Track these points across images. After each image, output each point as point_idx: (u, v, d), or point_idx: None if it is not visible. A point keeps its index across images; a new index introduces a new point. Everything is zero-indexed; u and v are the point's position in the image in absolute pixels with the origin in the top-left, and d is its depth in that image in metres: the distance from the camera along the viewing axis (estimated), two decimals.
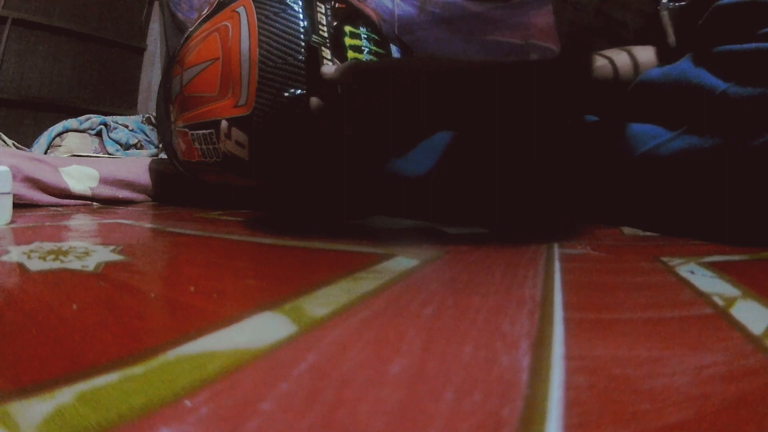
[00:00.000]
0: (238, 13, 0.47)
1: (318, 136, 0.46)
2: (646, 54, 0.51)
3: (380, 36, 0.53)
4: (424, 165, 0.64)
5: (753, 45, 0.41)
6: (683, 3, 0.49)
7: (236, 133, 0.45)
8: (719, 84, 0.42)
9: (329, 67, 0.44)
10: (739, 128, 0.40)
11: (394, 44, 0.56)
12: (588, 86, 0.52)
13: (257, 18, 0.46)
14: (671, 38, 0.50)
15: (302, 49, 0.45)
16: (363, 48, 0.49)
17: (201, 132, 0.48)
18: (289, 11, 0.46)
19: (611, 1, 0.54)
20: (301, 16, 0.46)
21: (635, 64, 0.51)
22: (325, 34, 0.46)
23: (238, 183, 0.51)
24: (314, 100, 0.43)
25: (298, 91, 0.44)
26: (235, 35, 0.46)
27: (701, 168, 0.43)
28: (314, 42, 0.45)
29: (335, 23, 0.48)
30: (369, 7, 0.55)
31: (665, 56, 0.51)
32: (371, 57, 0.50)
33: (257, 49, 0.45)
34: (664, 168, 0.45)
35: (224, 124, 0.45)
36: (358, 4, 0.53)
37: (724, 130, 0.41)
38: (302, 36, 0.45)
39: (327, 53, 0.45)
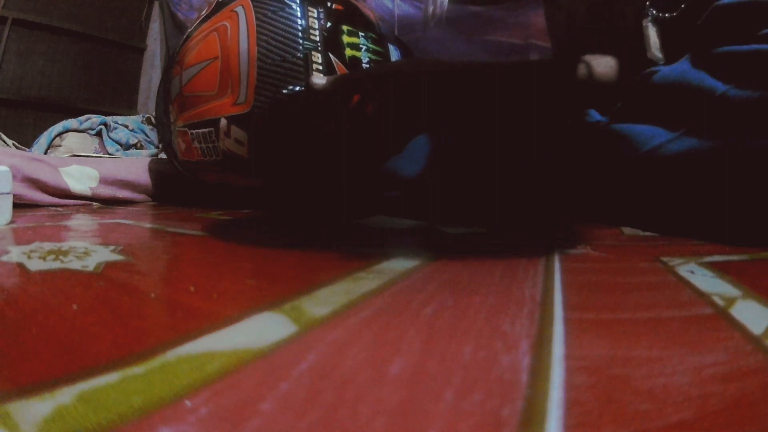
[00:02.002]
0: (236, 12, 0.47)
1: (317, 134, 0.46)
2: (605, 63, 0.51)
3: (378, 35, 0.53)
4: (421, 164, 0.64)
5: (753, 46, 0.41)
6: (673, 14, 0.49)
7: (235, 131, 0.45)
8: (719, 86, 0.42)
9: (319, 78, 0.44)
10: (739, 130, 0.40)
11: (392, 44, 0.56)
12: (584, 86, 0.52)
13: (256, 17, 0.46)
14: (651, 52, 0.49)
15: (300, 47, 0.45)
16: (361, 46, 0.49)
17: (200, 131, 0.48)
18: (287, 9, 0.46)
19: (607, 5, 0.54)
20: (299, 14, 0.46)
21: (591, 74, 0.50)
22: (317, 38, 0.46)
23: (237, 182, 0.51)
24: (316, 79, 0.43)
25: (297, 88, 0.44)
26: (233, 34, 0.46)
27: (701, 169, 0.43)
28: (305, 47, 0.45)
29: (331, 22, 0.48)
30: (367, 7, 0.55)
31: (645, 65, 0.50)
32: (369, 55, 0.50)
33: (256, 47, 0.45)
34: (664, 169, 0.45)
35: (223, 122, 0.45)
36: (355, 3, 0.53)
37: (724, 132, 0.41)
38: (300, 34, 0.45)
39: (318, 57, 0.45)
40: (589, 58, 0.49)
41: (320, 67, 0.45)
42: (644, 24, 0.49)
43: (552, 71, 0.53)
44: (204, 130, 0.47)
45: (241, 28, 0.46)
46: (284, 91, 0.44)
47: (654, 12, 0.49)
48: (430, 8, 0.64)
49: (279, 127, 0.45)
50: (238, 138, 0.46)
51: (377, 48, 0.51)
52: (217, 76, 0.46)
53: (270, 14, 0.46)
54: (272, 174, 0.49)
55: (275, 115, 0.44)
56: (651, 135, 0.46)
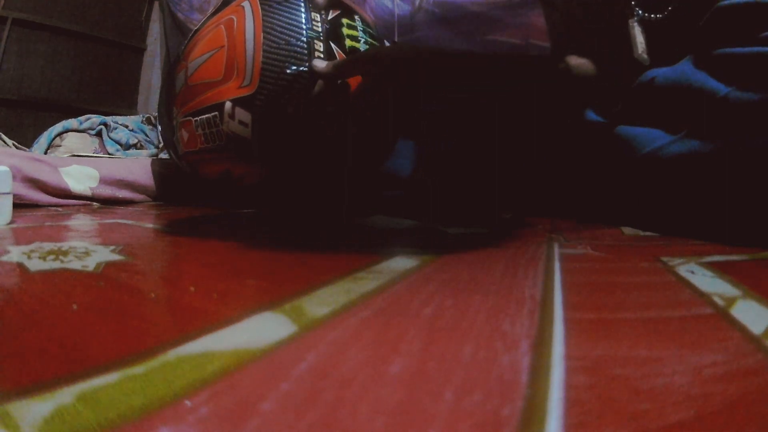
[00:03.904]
0: (243, 7, 0.50)
1: (318, 120, 0.47)
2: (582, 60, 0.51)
3: (374, 32, 0.54)
4: (414, 162, 0.64)
5: (755, 49, 0.41)
6: (659, 15, 0.48)
7: (240, 112, 0.47)
8: (720, 88, 0.41)
9: (320, 62, 0.46)
10: (741, 132, 0.40)
11: (389, 43, 0.57)
12: (582, 86, 0.52)
13: (261, 8, 0.49)
14: (638, 52, 0.49)
15: (304, 34, 0.47)
16: (360, 38, 0.51)
17: (205, 116, 0.49)
18: (292, 1, 0.48)
19: (607, 6, 0.53)
20: (302, 7, 0.48)
21: (568, 67, 0.50)
22: (319, 28, 0.47)
23: (239, 171, 0.51)
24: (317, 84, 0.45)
25: (301, 68, 0.46)
26: (240, 25, 0.48)
27: (702, 170, 0.43)
28: (309, 35, 0.46)
29: (332, 16, 0.49)
30: (365, 12, 0.56)
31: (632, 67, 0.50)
32: (367, 47, 0.51)
33: (261, 34, 0.47)
34: (664, 170, 0.45)
35: (228, 105, 0.47)
36: (352, 5, 0.54)
37: (725, 134, 0.41)
38: (304, 24, 0.47)
39: (320, 46, 0.47)
40: (568, 57, 0.50)
41: (321, 55, 0.47)
42: (630, 24, 0.49)
43: (537, 65, 0.53)
44: (208, 115, 0.49)
45: (247, 19, 0.48)
46: (288, 71, 0.46)
47: (641, 13, 0.49)
48: (417, 0, 0.65)
49: (282, 107, 0.46)
50: (242, 119, 0.47)
51: (374, 42, 0.52)
52: (223, 62, 0.48)
53: (275, 5, 0.48)
54: (274, 156, 0.49)
55: (279, 95, 0.46)
56: (652, 137, 0.46)
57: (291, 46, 0.46)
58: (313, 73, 0.46)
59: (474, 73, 0.49)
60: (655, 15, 0.48)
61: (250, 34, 0.47)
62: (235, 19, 0.49)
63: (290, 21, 0.47)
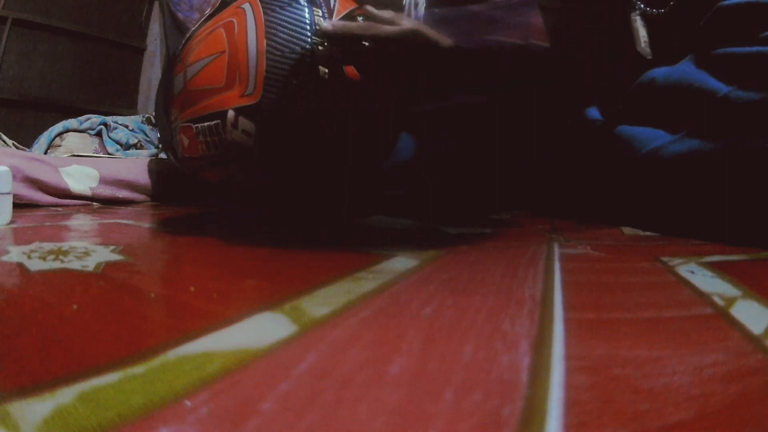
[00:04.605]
0: (243, 9, 0.48)
1: (322, 127, 0.47)
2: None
3: None
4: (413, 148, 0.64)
5: (755, 48, 0.41)
6: (661, 10, 0.49)
7: (243, 122, 0.46)
8: (721, 87, 0.42)
9: (328, 22, 0.46)
10: (741, 131, 0.40)
11: None
12: (582, 84, 0.52)
13: (263, 12, 0.47)
14: (641, 45, 0.49)
15: (309, 41, 0.46)
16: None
17: (206, 124, 0.48)
18: (295, 5, 0.47)
19: (607, 5, 0.53)
20: (306, 11, 0.48)
21: None
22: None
23: (241, 178, 0.51)
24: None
25: (305, 76, 0.46)
26: (241, 29, 0.47)
27: (702, 170, 0.43)
28: (313, 41, 0.46)
29: (335, 18, 0.49)
30: None
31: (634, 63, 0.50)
32: None
33: (264, 40, 0.46)
34: (665, 170, 0.45)
35: (231, 114, 0.46)
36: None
37: (726, 133, 0.41)
38: (308, 29, 0.46)
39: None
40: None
41: (326, 62, 0.46)
42: (632, 18, 0.49)
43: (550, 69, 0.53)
44: (210, 123, 0.48)
45: (248, 23, 0.47)
46: (294, 82, 0.45)
47: (642, 6, 0.49)
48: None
49: (287, 117, 0.46)
50: (246, 129, 0.46)
51: None
52: (224, 69, 0.47)
53: (278, 9, 0.47)
54: (278, 166, 0.49)
55: (284, 106, 0.45)
56: (652, 136, 0.47)
57: (295, 54, 0.46)
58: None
59: (474, 72, 0.49)
60: (657, 10, 0.48)
61: (252, 40, 0.46)
62: (235, 22, 0.48)
63: (294, 28, 0.46)
